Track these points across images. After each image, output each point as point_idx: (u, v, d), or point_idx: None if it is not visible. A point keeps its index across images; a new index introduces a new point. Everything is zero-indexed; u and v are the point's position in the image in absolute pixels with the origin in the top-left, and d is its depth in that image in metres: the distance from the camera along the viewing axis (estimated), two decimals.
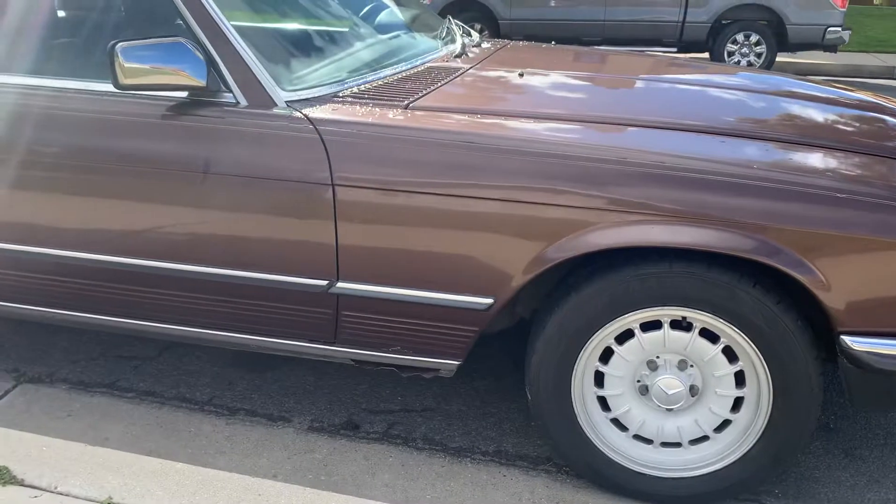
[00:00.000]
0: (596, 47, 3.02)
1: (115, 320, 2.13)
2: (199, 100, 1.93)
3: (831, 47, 9.37)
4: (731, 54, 9.52)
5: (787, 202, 1.66)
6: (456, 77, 2.19)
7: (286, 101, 1.91)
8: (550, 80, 2.30)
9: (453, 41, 2.60)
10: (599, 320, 1.80)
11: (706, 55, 9.88)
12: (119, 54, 1.81)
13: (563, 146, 1.76)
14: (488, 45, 2.72)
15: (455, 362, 1.94)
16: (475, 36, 2.79)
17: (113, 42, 1.82)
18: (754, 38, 9.39)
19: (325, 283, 1.89)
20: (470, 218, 1.76)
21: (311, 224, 1.85)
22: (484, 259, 1.78)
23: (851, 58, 10.56)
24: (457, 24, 2.81)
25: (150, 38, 1.85)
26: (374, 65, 2.19)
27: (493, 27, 9.96)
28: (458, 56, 2.43)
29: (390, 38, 2.43)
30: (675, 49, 9.94)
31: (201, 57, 1.88)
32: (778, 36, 9.30)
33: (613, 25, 9.75)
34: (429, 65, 2.30)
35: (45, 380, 2.44)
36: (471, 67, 2.31)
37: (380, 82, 2.10)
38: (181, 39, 1.87)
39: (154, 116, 1.93)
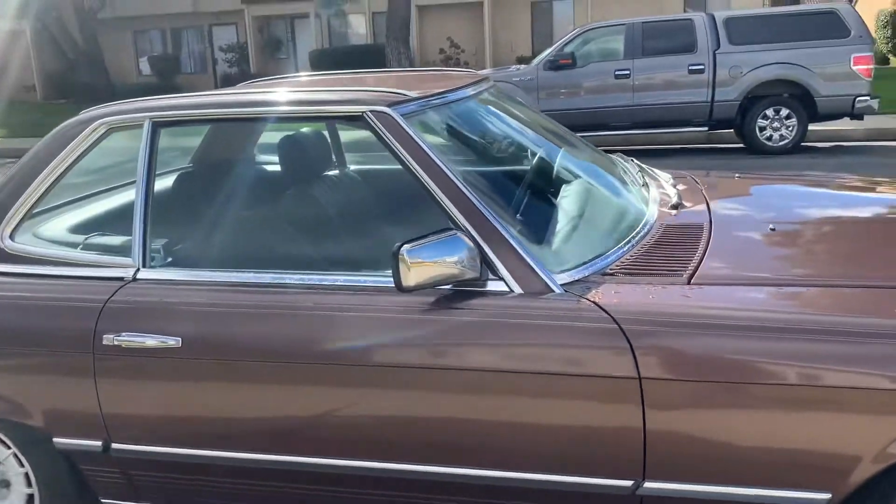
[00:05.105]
0: (800, 174, 2.92)
1: None
2: (468, 290, 1.83)
3: (859, 116, 9.51)
4: (762, 129, 9.62)
5: None
6: (707, 237, 2.08)
7: (562, 285, 1.81)
8: (809, 231, 2.18)
9: (649, 187, 2.51)
10: None
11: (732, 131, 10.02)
12: (405, 255, 1.71)
13: None
14: (683, 186, 2.62)
15: None
16: (664, 176, 2.68)
17: (398, 244, 1.72)
18: (784, 112, 9.51)
19: (629, 483, 1.74)
20: (805, 406, 1.62)
21: (614, 419, 1.71)
22: (821, 449, 1.64)
23: (875, 121, 10.71)
24: (638, 165, 2.74)
25: (427, 236, 1.75)
26: (618, 232, 2.08)
27: None
28: (676, 207, 2.33)
29: (613, 198, 2.31)
30: (705, 128, 10.08)
31: (474, 248, 1.79)
32: (807, 108, 9.42)
33: (642, 110, 9.88)
34: (662, 223, 2.19)
35: None
36: (708, 222, 2.20)
37: (635, 252, 1.99)
38: (457, 234, 1.78)
39: (417, 311, 1.82)
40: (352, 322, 1.84)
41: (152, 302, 1.97)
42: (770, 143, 9.60)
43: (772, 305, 1.72)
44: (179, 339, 1.92)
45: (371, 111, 1.96)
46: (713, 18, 9.75)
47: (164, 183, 2.68)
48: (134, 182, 2.68)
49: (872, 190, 2.67)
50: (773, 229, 2.12)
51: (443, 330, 1.80)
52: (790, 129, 9.54)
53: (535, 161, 2.34)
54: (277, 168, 2.65)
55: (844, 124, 10.32)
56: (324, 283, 1.93)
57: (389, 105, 1.98)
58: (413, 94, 2.07)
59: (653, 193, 2.45)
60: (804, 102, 9.40)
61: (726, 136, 10.78)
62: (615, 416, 1.71)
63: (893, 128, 10.71)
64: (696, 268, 1.88)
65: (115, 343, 1.95)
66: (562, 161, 2.36)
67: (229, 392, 1.91)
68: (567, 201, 2.15)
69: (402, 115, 1.97)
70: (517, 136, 2.49)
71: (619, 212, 2.19)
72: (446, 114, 2.18)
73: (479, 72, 2.99)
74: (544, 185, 2.24)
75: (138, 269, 2.05)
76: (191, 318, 1.93)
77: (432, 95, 2.14)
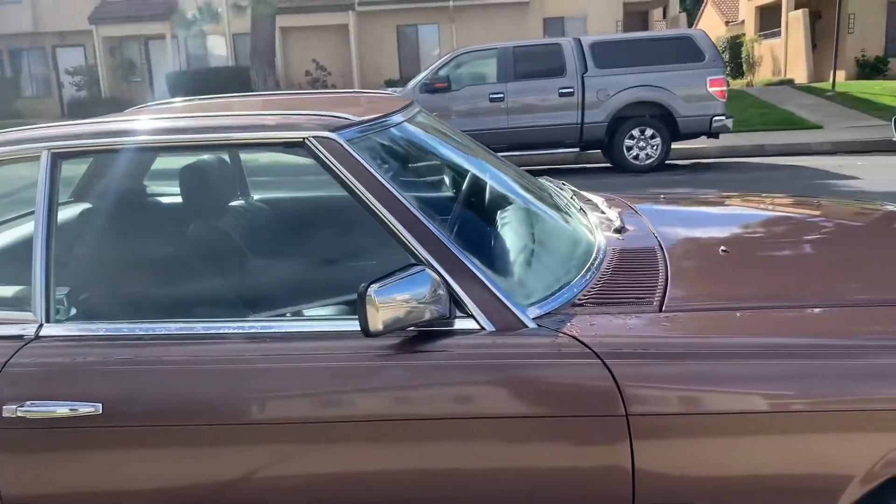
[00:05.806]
0: (709, 192, 2.94)
1: None
2: (433, 330, 1.67)
3: (715, 134, 10.13)
4: (629, 149, 10.03)
5: None
6: (663, 261, 2.03)
7: (533, 319, 1.69)
8: (760, 250, 2.17)
9: (585, 211, 2.44)
10: None
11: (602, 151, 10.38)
12: (374, 296, 1.53)
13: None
14: (619, 209, 2.56)
15: None
16: (598, 199, 2.62)
17: (365, 284, 1.54)
18: (649, 132, 9.96)
19: None
20: (795, 429, 1.58)
21: (601, 459, 1.60)
22: (809, 472, 1.60)
23: (725, 139, 11.44)
24: (571, 189, 2.67)
25: (393, 273, 1.58)
26: (575, 259, 1.99)
27: None
28: (619, 231, 2.27)
29: (562, 224, 2.20)
30: (576, 149, 10.39)
31: (442, 284, 1.64)
32: (670, 128, 9.92)
33: (517, 132, 10.07)
34: (614, 248, 2.12)
35: None
36: (658, 245, 2.14)
37: (598, 280, 1.90)
38: (425, 269, 1.62)
39: (381, 356, 1.64)
40: (308, 373, 1.64)
41: (62, 363, 1.68)
42: (637, 162, 10.02)
43: (755, 329, 1.67)
44: (99, 404, 1.64)
45: (314, 136, 1.77)
46: (580, 43, 10.10)
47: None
48: (21, 218, 2.35)
49: (798, 207, 2.75)
50: (725, 251, 2.09)
51: (412, 376, 1.63)
52: (655, 148, 10.00)
53: (479, 187, 2.21)
54: (189, 200, 2.38)
55: (702, 143, 10.96)
56: (269, 330, 1.71)
57: (333, 130, 1.80)
58: (355, 118, 1.90)
59: (592, 218, 2.39)
60: (667, 122, 9.89)
61: (594, 156, 11.17)
62: (601, 455, 1.60)
63: (744, 145, 11.50)
64: (664, 294, 1.82)
65: (19, 415, 1.64)
66: (506, 186, 2.25)
67: (162, 463, 1.65)
68: (520, 228, 2.04)
69: (347, 141, 1.79)
70: (459, 160, 2.36)
71: (570, 238, 2.10)
72: (388, 138, 2.01)
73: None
74: (493, 212, 2.12)
75: (41, 325, 1.75)
76: (111, 379, 1.66)
77: (374, 119, 1.98)
